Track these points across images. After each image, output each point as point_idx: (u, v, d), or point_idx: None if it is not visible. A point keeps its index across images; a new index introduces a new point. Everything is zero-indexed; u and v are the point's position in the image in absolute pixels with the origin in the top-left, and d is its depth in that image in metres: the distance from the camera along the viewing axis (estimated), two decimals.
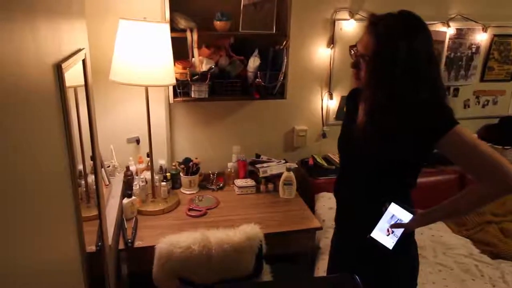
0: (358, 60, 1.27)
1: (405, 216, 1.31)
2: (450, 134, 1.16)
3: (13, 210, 0.64)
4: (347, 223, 1.49)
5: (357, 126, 1.36)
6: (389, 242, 1.31)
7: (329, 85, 2.66)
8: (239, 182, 2.46)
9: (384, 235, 1.31)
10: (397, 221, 1.31)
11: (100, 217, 1.44)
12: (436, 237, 2.40)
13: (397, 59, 1.15)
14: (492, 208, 2.60)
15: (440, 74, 1.28)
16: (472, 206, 1.27)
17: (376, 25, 1.21)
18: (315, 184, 2.53)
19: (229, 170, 2.53)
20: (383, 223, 1.31)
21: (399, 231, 1.31)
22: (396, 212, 1.31)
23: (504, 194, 1.15)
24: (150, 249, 1.74)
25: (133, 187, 2.20)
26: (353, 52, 1.30)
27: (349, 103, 1.49)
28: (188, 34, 2.13)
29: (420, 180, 1.36)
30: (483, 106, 3.03)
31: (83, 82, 1.34)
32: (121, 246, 1.88)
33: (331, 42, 2.56)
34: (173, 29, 2.07)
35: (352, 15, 2.52)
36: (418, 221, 1.31)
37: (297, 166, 2.55)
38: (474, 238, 2.41)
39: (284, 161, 2.54)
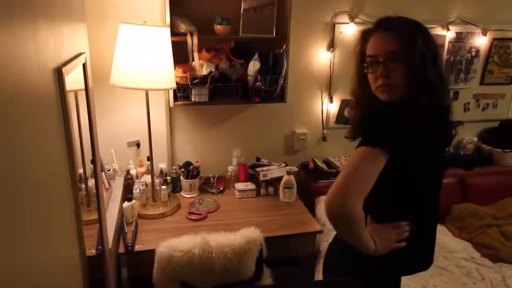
0: (385, 65, 1.13)
1: None
2: None
3: (12, 214, 0.64)
4: None
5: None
6: None
7: (329, 89, 2.66)
8: (240, 185, 2.46)
9: None
10: None
11: (100, 220, 1.44)
12: (436, 241, 2.40)
13: (429, 42, 1.13)
14: (493, 211, 2.60)
15: None
16: None
17: (386, 21, 1.17)
18: (316, 187, 2.52)
19: (229, 173, 2.53)
20: None
21: None
22: None
23: None
24: (151, 253, 1.73)
25: (134, 191, 2.20)
26: (372, 63, 1.17)
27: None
28: (188, 38, 2.14)
29: None
30: (483, 109, 3.03)
31: (83, 86, 1.34)
32: (122, 250, 1.88)
33: (331, 45, 2.57)
34: (173, 33, 2.08)
35: (352, 19, 2.53)
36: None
37: (297, 169, 2.55)
38: (475, 242, 2.40)
39: (284, 165, 2.54)
